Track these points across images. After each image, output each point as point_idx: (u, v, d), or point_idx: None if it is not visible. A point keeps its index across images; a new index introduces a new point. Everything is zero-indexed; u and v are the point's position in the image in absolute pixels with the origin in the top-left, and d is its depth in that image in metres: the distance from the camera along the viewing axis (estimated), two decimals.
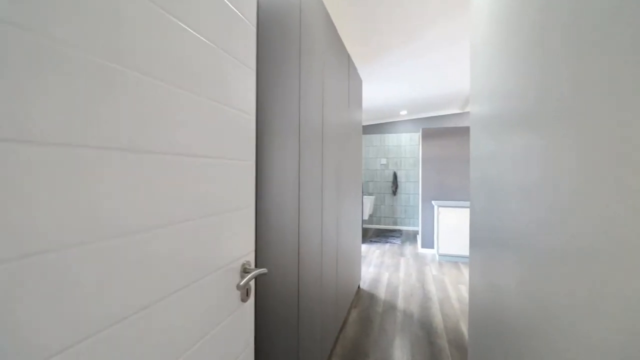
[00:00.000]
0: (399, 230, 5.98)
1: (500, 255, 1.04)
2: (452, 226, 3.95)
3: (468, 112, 5.71)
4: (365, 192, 6.35)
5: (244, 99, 0.73)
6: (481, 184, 1.33)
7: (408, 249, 4.66)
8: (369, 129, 6.36)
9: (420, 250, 4.49)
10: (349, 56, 2.39)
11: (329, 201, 1.78)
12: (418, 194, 6.02)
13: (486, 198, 1.25)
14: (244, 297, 0.70)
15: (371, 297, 2.82)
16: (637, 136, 0.42)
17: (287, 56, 1.11)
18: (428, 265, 3.83)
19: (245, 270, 0.70)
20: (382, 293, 2.93)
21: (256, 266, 0.85)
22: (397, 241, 5.07)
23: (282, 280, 1.08)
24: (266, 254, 0.94)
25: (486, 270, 1.22)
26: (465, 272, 3.57)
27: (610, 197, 0.48)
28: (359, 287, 3.08)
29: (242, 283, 0.61)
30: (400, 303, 2.70)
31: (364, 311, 2.54)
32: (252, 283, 0.75)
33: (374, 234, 5.64)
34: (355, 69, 2.63)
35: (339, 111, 2.06)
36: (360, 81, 2.99)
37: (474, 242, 1.44)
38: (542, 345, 0.70)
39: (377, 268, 3.70)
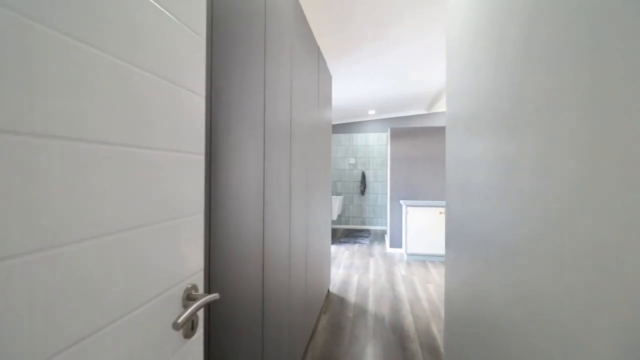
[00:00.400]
0: (368, 230, 5.98)
1: (474, 255, 1.02)
2: (420, 226, 3.98)
3: (434, 113, 5.85)
4: (333, 192, 6.27)
5: (191, 73, 0.56)
6: (456, 184, 1.30)
7: (377, 249, 4.64)
8: (337, 128, 6.30)
9: (389, 250, 4.48)
10: (318, 48, 2.25)
11: (297, 203, 1.63)
12: (386, 194, 6.05)
13: (461, 198, 1.22)
14: (188, 333, 0.53)
15: (341, 301, 2.71)
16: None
17: (250, 37, 0.95)
18: (397, 265, 3.82)
19: (189, 297, 0.53)
20: (352, 296, 2.84)
21: (209, 288, 0.68)
22: (366, 241, 5.04)
23: (244, 296, 0.92)
24: (223, 269, 0.78)
25: (461, 270, 1.19)
26: (433, 270, 3.59)
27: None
28: (328, 290, 2.96)
29: (180, 320, 0.45)
30: (371, 306, 2.62)
31: (334, 317, 2.42)
32: (201, 312, 0.58)
33: (342, 235, 5.58)
34: (325, 62, 2.50)
35: (309, 107, 1.92)
36: (330, 77, 2.88)
37: (450, 242, 1.38)
38: (513, 342, 0.71)
39: (347, 270, 3.61)
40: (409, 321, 2.35)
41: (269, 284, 1.17)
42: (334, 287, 3.07)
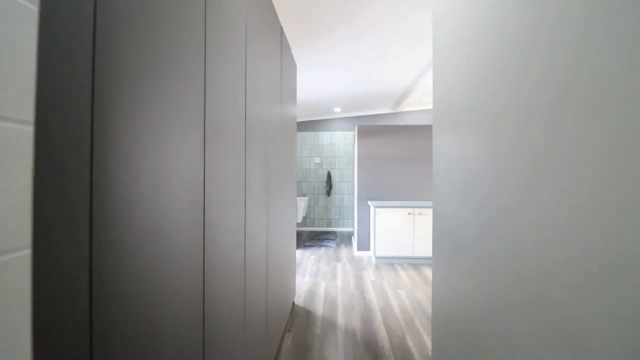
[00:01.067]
0: (334, 232, 5.77)
1: (461, 258, 0.94)
2: (389, 227, 3.83)
3: (400, 113, 5.79)
4: (298, 192, 5.98)
5: None
6: (444, 184, 1.15)
7: (344, 252, 4.43)
8: (302, 126, 6.02)
9: (357, 253, 4.30)
10: (281, 29, 1.96)
11: (256, 207, 1.33)
12: (352, 194, 5.89)
13: (449, 199, 1.08)
14: None
15: (308, 315, 2.44)
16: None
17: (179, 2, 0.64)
18: (365, 269, 3.63)
19: None
20: (319, 308, 2.57)
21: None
22: (333, 244, 4.82)
23: (170, 329, 0.61)
24: (133, 293, 0.47)
25: (451, 275, 1.04)
26: (402, 274, 3.45)
27: None
28: (293, 303, 2.67)
29: None
30: (341, 319, 2.37)
31: (300, 335, 2.14)
32: None
33: (308, 238, 5.31)
34: (289, 48, 2.21)
35: (269, 99, 1.62)
36: (295, 66, 2.59)
37: (439, 243, 1.19)
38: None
39: (313, 277, 3.35)
40: (382, 335, 2.14)
41: (214, 305, 0.86)
42: (299, 299, 2.78)
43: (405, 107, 5.59)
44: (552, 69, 0.52)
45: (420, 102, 5.41)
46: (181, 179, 0.67)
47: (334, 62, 3.32)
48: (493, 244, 0.72)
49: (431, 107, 5.75)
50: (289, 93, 2.25)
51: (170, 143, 0.63)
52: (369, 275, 3.40)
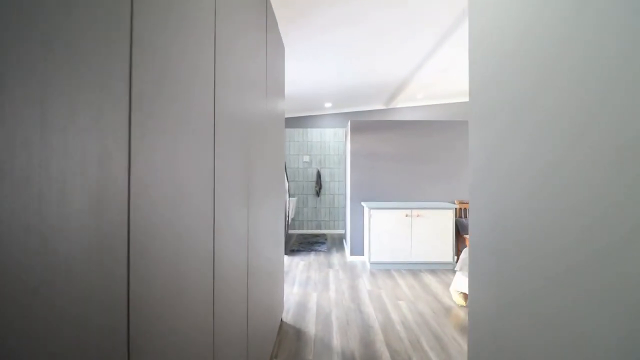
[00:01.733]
0: (324, 235, 5.45)
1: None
2: (385, 230, 3.54)
3: (394, 109, 5.53)
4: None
5: None
6: (485, 179, 0.89)
7: (336, 257, 4.11)
8: (290, 122, 5.67)
9: (350, 258, 3.99)
10: (267, 1, 1.62)
11: (230, 211, 0.99)
12: (344, 194, 5.59)
13: (490, 193, 0.86)
14: None
15: (298, 335, 2.10)
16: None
17: None
18: (360, 277, 3.32)
19: None
20: (311, 325, 2.25)
21: None
22: (323, 248, 4.50)
23: None
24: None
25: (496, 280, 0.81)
26: (401, 282, 3.16)
27: None
28: (281, 320, 2.33)
29: None
30: (336, 340, 2.05)
31: None
32: None
33: (296, 241, 4.97)
34: (275, 22, 1.87)
35: (249, 88, 1.28)
36: (283, 48, 2.26)
37: (482, 248, 0.89)
38: None
39: (303, 287, 3.02)
40: (385, 358, 1.83)
41: (155, 336, 0.52)
42: (287, 314, 2.44)
43: (399, 103, 5.33)
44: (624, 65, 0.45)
45: (414, 98, 5.16)
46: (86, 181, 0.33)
47: (325, 49, 3.00)
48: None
49: (425, 103, 5.52)
50: (275, 81, 1.92)
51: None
52: (365, 284, 3.10)
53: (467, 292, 2.44)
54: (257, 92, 1.39)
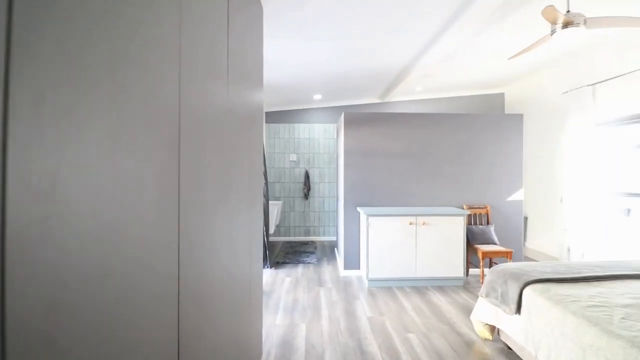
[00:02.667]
0: (313, 243, 4.90)
1: None
2: (386, 242, 3.02)
3: (389, 103, 5.02)
4: (271, 196, 5.05)
5: None
6: None
7: (327, 270, 3.57)
8: (274, 117, 5.09)
9: (343, 272, 3.45)
10: None
11: (171, 219, 0.43)
12: (335, 197, 5.05)
13: None
14: None
15: None
16: None
17: None
18: (358, 298, 2.79)
19: None
20: None
21: None
22: (313, 259, 3.95)
23: None
24: None
25: None
26: (406, 304, 2.65)
27: None
28: None
29: None
30: None
31: None
32: None
33: (282, 251, 4.40)
34: None
35: (193, 71, 0.72)
36: (260, 7, 1.70)
37: None
38: None
39: (289, 314, 2.46)
40: None
41: None
42: (269, 356, 1.88)
43: (395, 96, 4.84)
44: None
45: (412, 91, 4.67)
46: None
47: (315, 29, 2.44)
48: None
49: (424, 97, 5.05)
50: (243, 59, 1.36)
51: None
52: (364, 309, 2.57)
53: (493, 324, 1.94)
54: (208, 76, 0.84)
